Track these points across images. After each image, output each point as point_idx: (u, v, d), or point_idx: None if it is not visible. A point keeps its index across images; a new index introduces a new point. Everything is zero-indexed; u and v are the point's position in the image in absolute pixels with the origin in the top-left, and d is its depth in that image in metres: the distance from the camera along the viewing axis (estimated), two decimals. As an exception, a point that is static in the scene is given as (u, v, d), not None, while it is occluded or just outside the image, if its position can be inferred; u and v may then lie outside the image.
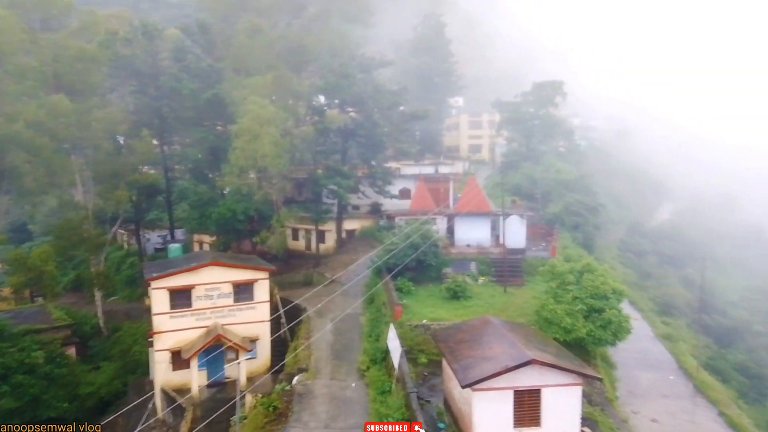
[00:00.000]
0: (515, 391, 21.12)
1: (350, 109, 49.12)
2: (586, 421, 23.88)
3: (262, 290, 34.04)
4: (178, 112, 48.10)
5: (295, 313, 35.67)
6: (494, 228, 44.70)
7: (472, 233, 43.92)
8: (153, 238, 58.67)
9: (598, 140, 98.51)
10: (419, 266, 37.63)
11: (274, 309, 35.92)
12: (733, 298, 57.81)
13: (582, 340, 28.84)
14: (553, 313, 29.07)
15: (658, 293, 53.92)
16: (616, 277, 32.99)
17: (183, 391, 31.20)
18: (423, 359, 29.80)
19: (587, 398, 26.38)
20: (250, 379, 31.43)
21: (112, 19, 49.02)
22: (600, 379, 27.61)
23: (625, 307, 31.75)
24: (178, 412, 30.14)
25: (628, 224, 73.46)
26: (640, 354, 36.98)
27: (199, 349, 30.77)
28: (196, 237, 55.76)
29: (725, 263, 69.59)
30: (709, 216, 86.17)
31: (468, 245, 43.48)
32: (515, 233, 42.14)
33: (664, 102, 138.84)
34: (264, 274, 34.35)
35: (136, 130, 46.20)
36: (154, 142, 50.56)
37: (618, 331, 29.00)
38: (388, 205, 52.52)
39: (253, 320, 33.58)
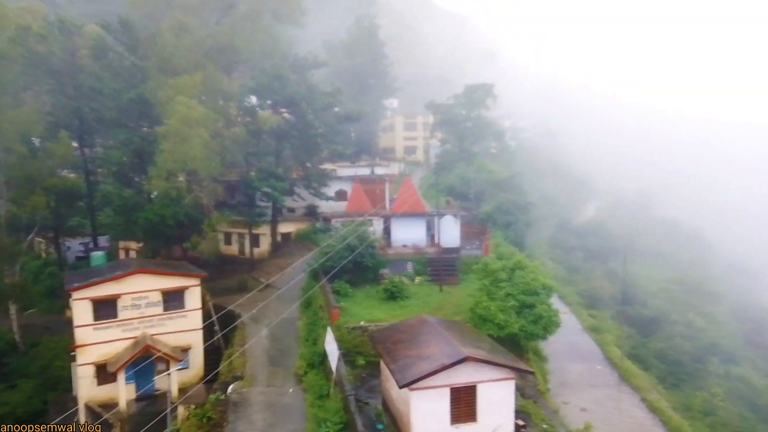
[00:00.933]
0: (452, 389, 21.43)
1: (283, 110, 48.31)
2: (519, 413, 24.60)
3: (194, 297, 32.90)
4: (99, 113, 45.67)
5: (229, 319, 34.77)
6: (430, 228, 45.37)
7: (409, 234, 44.42)
8: (74, 246, 55.48)
9: (528, 140, 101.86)
10: (356, 268, 37.58)
11: (206, 316, 34.76)
12: (652, 289, 60.99)
13: (515, 336, 29.73)
14: (486, 310, 29.78)
15: (585, 287, 56.35)
16: (546, 273, 34.17)
17: (110, 406, 29.64)
18: (361, 361, 29.79)
19: (520, 391, 27.20)
20: (183, 390, 30.31)
21: (24, 14, 45.69)
22: (532, 373, 28.48)
23: (555, 302, 32.94)
24: (105, 428, 28.58)
25: (557, 221, 76.33)
26: (570, 346, 38.59)
27: (127, 362, 29.41)
28: (121, 244, 53.15)
29: (645, 256, 73.47)
30: (630, 212, 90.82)
31: (404, 246, 43.90)
32: (450, 233, 43.04)
33: (594, 102, 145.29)
34: (195, 281, 33.20)
35: (53, 131, 43.58)
36: (74, 144, 47.94)
37: (548, 325, 30.13)
38: (325, 207, 52.13)
39: (185, 329, 32.39)
